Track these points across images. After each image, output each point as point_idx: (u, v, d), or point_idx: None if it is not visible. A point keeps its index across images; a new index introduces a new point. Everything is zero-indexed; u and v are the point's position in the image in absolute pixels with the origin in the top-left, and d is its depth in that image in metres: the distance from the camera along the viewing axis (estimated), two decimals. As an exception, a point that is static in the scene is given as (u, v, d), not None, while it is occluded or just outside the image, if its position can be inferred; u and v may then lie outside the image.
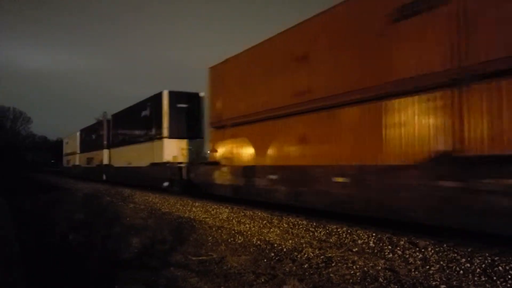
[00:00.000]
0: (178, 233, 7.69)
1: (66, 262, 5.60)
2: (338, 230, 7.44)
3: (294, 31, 10.47)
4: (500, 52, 6.09)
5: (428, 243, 6.08)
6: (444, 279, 4.62)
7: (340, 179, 8.37)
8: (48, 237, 7.42)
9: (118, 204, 13.34)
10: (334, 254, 5.77)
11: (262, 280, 4.67)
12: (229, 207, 11.25)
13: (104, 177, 27.36)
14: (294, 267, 5.19)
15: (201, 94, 18.70)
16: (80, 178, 33.06)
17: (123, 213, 10.96)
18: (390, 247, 6.11)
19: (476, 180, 6.01)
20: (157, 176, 18.04)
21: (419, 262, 5.33)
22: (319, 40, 9.54)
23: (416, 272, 4.88)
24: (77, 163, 37.58)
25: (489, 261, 5.11)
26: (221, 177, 12.98)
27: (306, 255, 5.75)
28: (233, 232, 7.68)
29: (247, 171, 11.70)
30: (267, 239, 6.92)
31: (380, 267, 5.09)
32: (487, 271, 4.83)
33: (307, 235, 7.34)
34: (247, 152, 12.19)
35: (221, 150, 13.56)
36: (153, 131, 19.08)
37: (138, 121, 21.34)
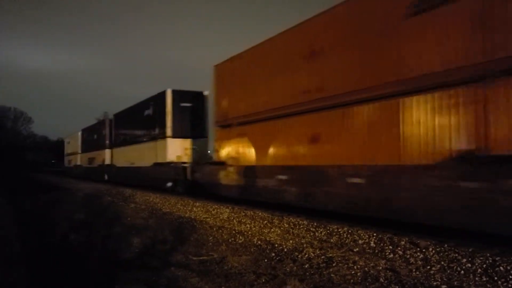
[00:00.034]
0: (179, 233, 7.69)
1: (67, 262, 5.60)
2: (339, 230, 7.43)
3: (304, 26, 10.16)
4: None
5: (429, 243, 6.07)
6: (445, 279, 4.61)
7: (354, 180, 8.13)
8: (49, 237, 7.43)
9: (119, 204, 13.35)
10: (335, 254, 5.77)
11: (263, 280, 4.67)
12: (229, 207, 11.24)
13: (106, 177, 27.26)
14: (295, 267, 5.19)
15: (205, 93, 18.50)
16: (82, 178, 33.04)
17: (124, 213, 10.96)
18: (391, 247, 6.10)
19: (502, 180, 5.74)
20: (160, 176, 17.88)
21: (420, 262, 5.32)
22: (331, 36, 9.23)
23: (417, 272, 4.88)
24: (78, 163, 37.48)
25: (490, 261, 5.10)
26: (227, 177, 12.75)
27: (307, 255, 5.75)
28: (233, 232, 7.68)
29: (255, 171, 11.46)
30: (268, 239, 6.92)
31: (381, 267, 5.09)
32: (488, 271, 4.82)
33: (308, 235, 7.33)
34: (254, 151, 11.92)
35: (227, 150, 13.30)
36: (156, 131, 18.89)
37: (141, 120, 21.15)
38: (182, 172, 15.95)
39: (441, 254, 5.57)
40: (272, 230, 7.87)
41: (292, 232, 7.65)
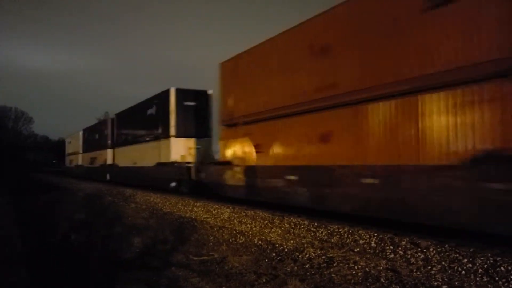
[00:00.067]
0: (179, 233, 7.69)
1: (67, 262, 5.60)
2: (340, 230, 7.43)
3: (316, 21, 9.70)
4: None
5: (430, 243, 6.07)
6: (446, 279, 4.61)
7: (370, 180, 7.79)
8: (49, 237, 7.43)
9: (120, 204, 13.35)
10: (335, 254, 5.77)
11: (264, 280, 4.67)
12: (230, 207, 11.24)
13: (108, 177, 27.06)
14: (296, 267, 5.19)
15: (209, 91, 18.20)
16: (83, 178, 32.99)
17: (124, 213, 10.97)
18: (391, 247, 6.10)
19: None
20: (163, 176, 17.65)
21: (420, 263, 5.32)
22: (344, 31, 8.82)
23: (418, 273, 4.87)
24: (80, 163, 37.30)
25: (491, 261, 5.10)
26: (234, 177, 12.45)
27: (307, 255, 5.75)
28: (234, 232, 7.68)
29: (262, 171, 11.18)
30: (268, 239, 6.92)
31: (381, 268, 5.08)
32: (489, 271, 4.82)
33: (309, 235, 7.33)
34: (261, 151, 11.52)
35: (233, 149, 12.93)
36: (160, 130, 18.63)
37: (144, 119, 20.87)
38: (186, 172, 15.68)
39: (442, 254, 5.57)
40: (273, 230, 7.87)
41: (293, 232, 7.64)
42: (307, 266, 5.22)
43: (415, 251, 5.81)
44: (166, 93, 17.89)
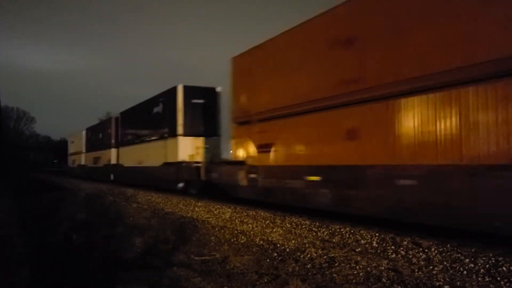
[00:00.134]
0: (181, 233, 7.69)
1: (69, 262, 5.61)
2: (341, 230, 7.42)
3: (340, 10, 9.06)
4: None
5: (431, 243, 6.06)
6: (447, 279, 4.60)
7: (404, 181, 7.19)
8: (51, 237, 7.44)
9: (121, 204, 13.36)
10: (337, 254, 5.76)
11: (265, 280, 4.66)
12: (231, 207, 11.25)
13: (112, 177, 26.63)
14: (297, 267, 5.19)
15: (218, 89, 17.65)
16: (85, 178, 32.87)
17: (126, 213, 10.97)
18: (393, 247, 6.09)
19: None
20: (170, 177, 17.14)
21: (422, 263, 5.31)
22: (376, 18, 8.12)
23: (420, 273, 4.87)
24: (82, 162, 36.91)
25: (493, 261, 5.09)
26: (248, 178, 11.83)
27: (309, 255, 5.74)
28: (236, 232, 7.68)
29: (279, 171, 10.63)
30: (270, 239, 6.92)
31: (383, 267, 5.08)
32: (491, 271, 4.81)
33: (310, 235, 7.33)
34: (278, 150, 10.87)
35: (246, 148, 12.24)
36: (167, 129, 18.12)
37: (150, 118, 20.35)
38: (195, 172, 15.20)
39: (444, 254, 5.56)
40: (274, 230, 7.87)
41: (294, 232, 7.64)
42: (308, 266, 5.22)
43: (416, 251, 5.80)
44: (173, 91, 17.37)
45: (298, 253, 5.87)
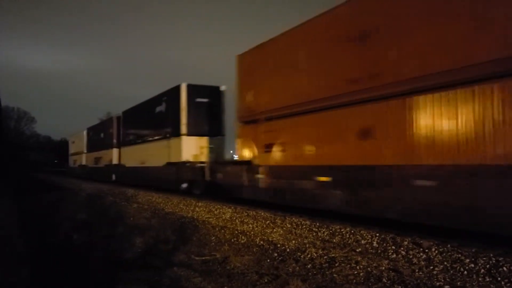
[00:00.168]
0: (181, 233, 7.70)
1: (69, 262, 5.61)
2: (342, 230, 7.42)
3: (350, 5, 8.74)
4: None
5: (432, 243, 6.06)
6: (448, 279, 4.60)
7: (423, 182, 6.87)
8: (51, 237, 7.44)
9: (122, 204, 13.36)
10: (337, 255, 5.76)
11: (265, 280, 4.66)
12: (232, 207, 11.24)
13: (114, 177, 26.38)
14: (298, 267, 5.19)
15: (222, 87, 17.37)
16: (87, 179, 32.75)
17: (126, 213, 10.98)
18: (393, 247, 6.09)
19: None
20: (174, 177, 16.90)
21: (423, 263, 5.31)
22: (395, 11, 7.69)
23: (420, 273, 4.86)
24: (83, 163, 36.66)
25: (494, 261, 5.09)
26: (254, 179, 11.51)
27: (309, 255, 5.74)
28: (236, 232, 7.68)
29: (288, 172, 10.32)
30: (270, 239, 6.92)
31: (383, 268, 5.08)
32: (492, 271, 4.81)
33: (311, 235, 7.32)
34: (287, 149, 10.50)
35: (253, 148, 11.88)
36: (170, 128, 17.82)
37: (152, 117, 20.02)
38: (199, 173, 14.93)
39: (444, 254, 5.56)
40: (274, 230, 7.87)
41: (295, 232, 7.64)
42: (309, 266, 5.22)
43: (417, 251, 5.80)
44: (176, 89, 17.07)
45: (299, 253, 5.87)
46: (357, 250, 6.08)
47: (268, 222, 8.80)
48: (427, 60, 7.08)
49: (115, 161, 26.43)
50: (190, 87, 16.80)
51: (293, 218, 8.92)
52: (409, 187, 7.10)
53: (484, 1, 6.37)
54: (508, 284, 4.42)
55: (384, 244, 6.30)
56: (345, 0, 8.89)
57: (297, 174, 9.98)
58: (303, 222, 8.47)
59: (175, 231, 7.96)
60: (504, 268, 4.84)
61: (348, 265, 5.20)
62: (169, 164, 17.66)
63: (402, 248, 5.99)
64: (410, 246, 6.04)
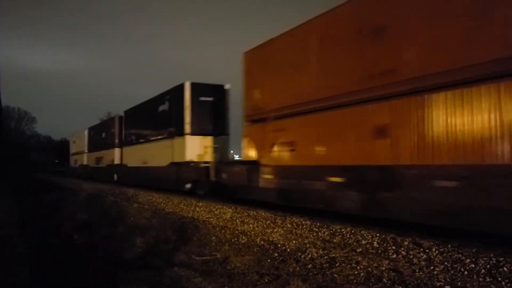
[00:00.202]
0: (181, 233, 7.70)
1: (70, 262, 5.61)
2: (342, 230, 7.42)
3: None
4: None
5: (432, 243, 6.05)
6: (448, 279, 4.60)
7: (445, 183, 6.56)
8: (52, 237, 7.45)
9: (122, 204, 13.37)
10: (338, 255, 5.76)
11: (266, 280, 4.66)
12: (232, 207, 11.25)
13: (116, 177, 26.18)
14: (298, 268, 5.19)
15: (226, 86, 17.12)
16: (87, 179, 32.67)
17: (127, 213, 10.98)
18: (394, 247, 6.09)
19: None
20: (177, 177, 16.70)
21: (423, 263, 5.31)
22: (415, 3, 7.35)
23: (421, 273, 4.86)
24: (85, 163, 36.48)
25: (494, 261, 5.09)
26: (262, 179, 11.18)
27: (310, 256, 5.74)
28: (236, 232, 7.68)
29: (298, 172, 9.98)
30: (270, 239, 6.92)
31: (384, 268, 5.08)
32: (492, 271, 4.80)
33: (311, 235, 7.32)
34: (297, 149, 10.13)
35: (261, 148, 11.54)
36: (173, 128, 17.58)
37: (155, 116, 19.84)
38: (204, 173, 14.71)
39: (445, 254, 5.56)
40: (275, 230, 7.87)
41: (295, 232, 7.64)
42: (309, 266, 5.22)
43: (417, 251, 5.80)
44: (180, 88, 16.84)
45: (299, 253, 5.87)
46: (358, 250, 6.08)
47: (268, 222, 8.80)
48: (444, 56, 6.77)
49: (117, 161, 26.24)
50: (194, 86, 16.57)
51: (294, 218, 8.92)
52: (429, 188, 6.80)
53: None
54: (509, 284, 4.41)
55: (385, 244, 6.30)
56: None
57: (307, 174, 9.67)
58: (303, 222, 8.47)
59: (175, 231, 7.96)
60: (505, 268, 4.84)
61: (349, 265, 5.20)
62: (173, 164, 17.45)
63: (402, 248, 5.99)
64: (411, 246, 6.04)
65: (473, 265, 5.04)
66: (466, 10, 6.56)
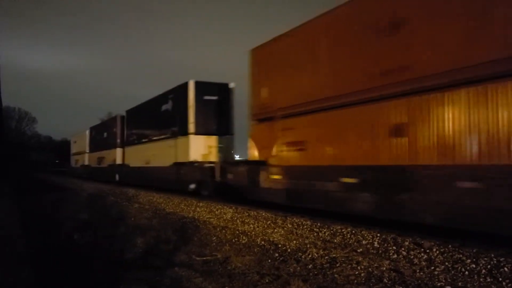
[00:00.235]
0: (182, 233, 7.70)
1: (70, 262, 5.61)
2: (343, 230, 7.42)
3: None
4: None
5: (433, 243, 6.05)
6: (449, 280, 4.59)
7: (468, 184, 6.25)
8: (53, 237, 7.45)
9: (123, 204, 13.38)
10: (338, 255, 5.76)
11: (267, 281, 4.66)
12: (233, 207, 11.25)
13: (117, 177, 25.95)
14: (299, 268, 5.18)
15: (231, 85, 16.89)
16: (88, 179, 32.61)
17: (127, 213, 10.98)
18: (395, 247, 6.09)
19: None
20: (181, 178, 16.50)
21: (424, 263, 5.31)
22: None
23: (421, 273, 4.86)
24: (86, 163, 36.27)
25: (495, 262, 5.08)
26: (270, 180, 10.92)
27: (310, 256, 5.74)
28: (237, 232, 7.68)
29: (310, 172, 9.70)
30: (271, 239, 6.92)
31: (384, 268, 5.08)
32: (493, 272, 4.80)
33: (312, 235, 7.32)
34: (307, 148, 9.82)
35: (268, 147, 11.21)
36: (177, 127, 17.30)
37: (158, 116, 19.59)
38: (208, 173, 14.51)
39: (445, 254, 5.55)
40: (275, 230, 7.87)
41: (296, 232, 7.64)
42: (310, 267, 5.22)
43: (418, 251, 5.79)
44: (184, 87, 16.59)
45: (300, 254, 5.87)
46: (358, 251, 6.08)
47: (269, 222, 8.80)
48: (469, 51, 6.47)
49: (118, 161, 26.03)
50: (198, 84, 16.35)
51: (294, 219, 8.91)
52: (451, 190, 6.48)
53: None
54: (510, 285, 4.41)
55: (385, 245, 6.30)
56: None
57: (318, 175, 9.39)
58: (304, 222, 8.47)
59: (176, 231, 7.96)
60: (505, 269, 4.83)
61: (349, 266, 5.20)
62: (176, 164, 17.23)
63: (403, 249, 5.98)
64: (411, 247, 6.04)
65: (473, 265, 5.04)
66: (501, 1, 6.17)
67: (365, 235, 6.95)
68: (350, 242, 6.69)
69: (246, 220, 9.17)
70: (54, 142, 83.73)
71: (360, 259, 5.50)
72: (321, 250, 6.04)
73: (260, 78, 11.91)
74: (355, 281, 4.62)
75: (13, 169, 40.54)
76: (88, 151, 35.84)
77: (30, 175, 41.60)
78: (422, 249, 5.85)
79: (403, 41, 7.52)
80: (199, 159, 15.82)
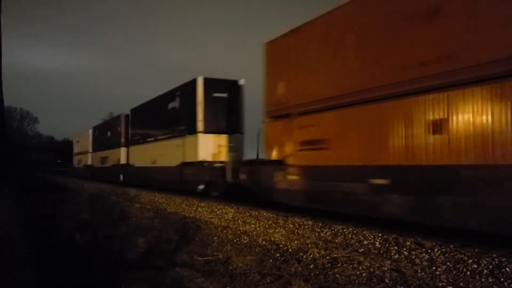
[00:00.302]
0: (183, 233, 7.70)
1: (72, 262, 5.62)
2: (344, 230, 7.41)
3: None
4: None
5: (434, 243, 6.04)
6: (450, 280, 4.59)
7: None
8: (54, 237, 7.46)
9: (124, 204, 13.39)
10: (340, 255, 5.75)
11: (268, 281, 4.66)
12: (234, 207, 11.25)
13: (122, 177, 25.51)
14: (300, 268, 5.18)
15: (241, 81, 16.41)
16: (91, 179, 32.51)
17: (129, 213, 11.00)
18: (396, 247, 6.08)
19: None
20: (189, 178, 16.06)
21: (425, 263, 5.30)
22: None
23: (423, 273, 4.85)
24: (89, 163, 35.95)
25: (497, 262, 5.07)
26: (288, 180, 10.39)
27: (311, 256, 5.74)
28: (238, 232, 7.68)
29: (332, 173, 9.15)
30: (272, 239, 6.92)
31: (386, 268, 5.07)
32: (495, 272, 4.79)
33: (313, 235, 7.32)
34: (329, 147, 9.22)
35: (284, 146, 10.64)
36: (185, 126, 16.77)
37: (165, 114, 19.08)
38: (218, 173, 14.15)
39: (447, 254, 5.54)
40: (277, 230, 7.87)
41: (297, 232, 7.64)
42: (311, 267, 5.22)
43: (419, 251, 5.79)
44: (192, 83, 16.06)
45: (301, 254, 5.87)
46: (360, 251, 6.08)
47: (270, 222, 8.80)
48: (497, 40, 6.00)
49: (123, 160, 25.54)
50: (207, 81, 15.82)
51: (296, 219, 8.91)
52: (500, 192, 5.96)
53: None
54: (511, 285, 4.40)
55: (387, 245, 6.29)
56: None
57: (343, 175, 8.81)
58: (305, 222, 8.46)
59: (177, 231, 7.97)
60: (507, 269, 4.82)
61: (351, 266, 5.19)
62: (184, 164, 16.74)
63: (404, 249, 5.98)
64: (413, 247, 6.03)
65: (475, 266, 5.03)
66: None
67: (367, 235, 6.95)
68: (351, 242, 6.69)
69: (247, 220, 9.17)
70: (56, 142, 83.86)
71: (362, 259, 5.49)
72: (322, 250, 6.03)
73: (276, 72, 11.28)
74: (357, 281, 4.61)
75: (15, 169, 40.58)
76: (91, 151, 35.44)
77: (31, 175, 41.64)
78: (424, 249, 5.84)
79: (443, 29, 6.90)
80: (209, 158, 15.33)
